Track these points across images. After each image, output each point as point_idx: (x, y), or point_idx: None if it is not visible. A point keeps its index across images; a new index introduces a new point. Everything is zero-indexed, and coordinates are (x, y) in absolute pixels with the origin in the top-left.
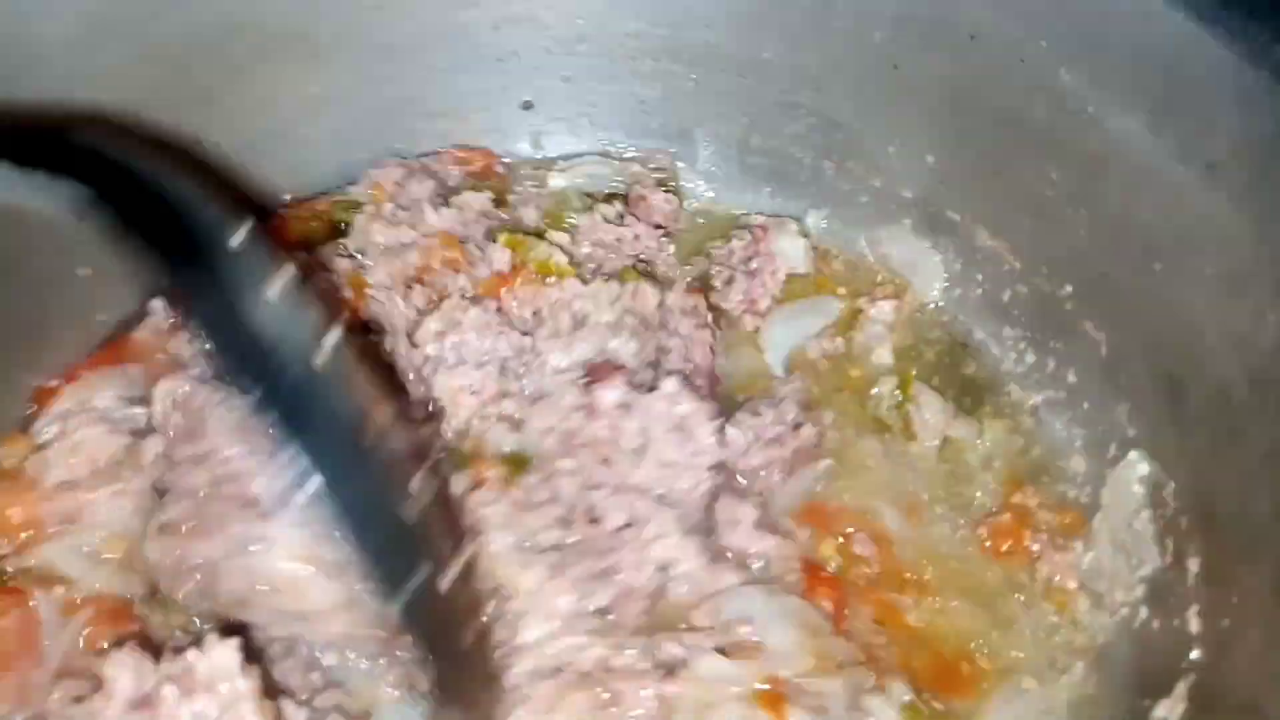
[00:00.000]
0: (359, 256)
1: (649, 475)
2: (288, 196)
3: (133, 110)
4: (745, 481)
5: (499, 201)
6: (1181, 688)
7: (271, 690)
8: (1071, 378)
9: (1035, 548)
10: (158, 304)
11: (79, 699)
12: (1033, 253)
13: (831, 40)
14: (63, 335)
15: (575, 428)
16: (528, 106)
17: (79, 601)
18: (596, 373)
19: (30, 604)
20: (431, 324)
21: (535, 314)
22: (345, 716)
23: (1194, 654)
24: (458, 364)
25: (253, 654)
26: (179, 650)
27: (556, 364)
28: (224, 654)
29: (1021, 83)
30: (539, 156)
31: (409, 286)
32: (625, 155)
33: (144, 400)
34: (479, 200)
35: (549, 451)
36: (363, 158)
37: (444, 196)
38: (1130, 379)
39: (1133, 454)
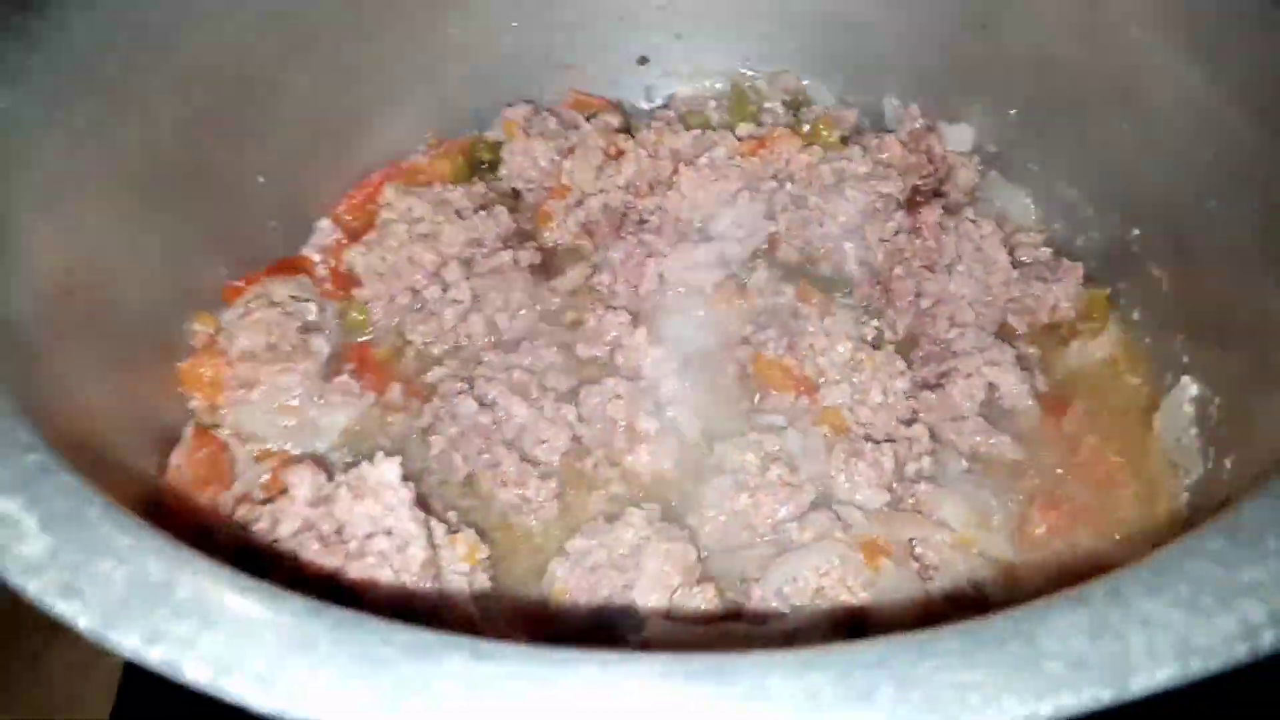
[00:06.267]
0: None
1: (962, 287)
2: (429, 134)
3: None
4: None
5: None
6: None
7: (423, 503)
8: (1136, 315)
9: None
10: (325, 224)
11: (265, 500)
12: (1105, 200)
13: (923, 1)
14: (244, 233)
15: (902, 244)
16: (643, 61)
17: (269, 452)
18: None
19: (227, 451)
20: None
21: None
22: (477, 530)
23: None
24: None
25: (410, 475)
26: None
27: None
28: (388, 469)
29: (1098, 38)
30: (649, 108)
31: None
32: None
33: (312, 300)
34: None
35: (880, 266)
36: (492, 104)
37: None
38: (1186, 312)
39: (1185, 378)
